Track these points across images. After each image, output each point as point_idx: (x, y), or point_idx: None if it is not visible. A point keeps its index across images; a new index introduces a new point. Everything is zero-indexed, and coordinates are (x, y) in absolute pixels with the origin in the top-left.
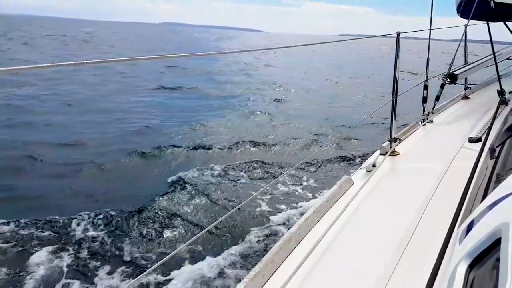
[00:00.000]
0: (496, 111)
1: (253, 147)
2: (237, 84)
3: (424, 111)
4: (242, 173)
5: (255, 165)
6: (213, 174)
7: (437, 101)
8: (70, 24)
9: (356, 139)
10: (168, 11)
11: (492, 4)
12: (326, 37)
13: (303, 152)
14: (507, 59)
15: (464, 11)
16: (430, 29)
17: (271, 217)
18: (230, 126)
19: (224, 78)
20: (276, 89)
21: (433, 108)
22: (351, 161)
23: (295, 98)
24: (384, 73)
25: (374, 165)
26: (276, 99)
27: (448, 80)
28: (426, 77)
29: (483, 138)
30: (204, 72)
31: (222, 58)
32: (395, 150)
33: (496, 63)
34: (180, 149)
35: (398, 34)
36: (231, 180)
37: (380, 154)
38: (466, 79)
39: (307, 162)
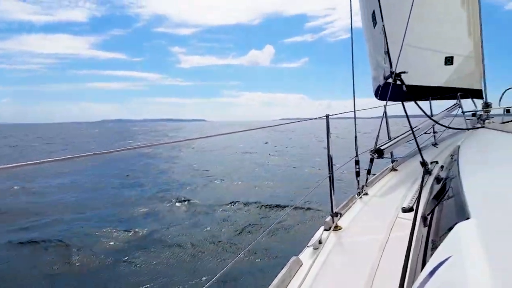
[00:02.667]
0: (422, 181)
1: (179, 246)
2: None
3: (358, 184)
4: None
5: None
6: None
7: (369, 174)
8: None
9: (301, 214)
10: (109, 109)
11: (404, 88)
12: (269, 122)
13: (246, 238)
14: (425, 133)
15: (381, 94)
16: (354, 110)
17: None
18: (154, 213)
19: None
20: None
21: (366, 181)
22: (298, 237)
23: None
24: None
25: (320, 242)
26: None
27: (376, 155)
28: (356, 153)
29: (414, 207)
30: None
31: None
32: (338, 224)
33: (415, 138)
34: None
35: (327, 116)
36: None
37: (325, 230)
38: (391, 152)
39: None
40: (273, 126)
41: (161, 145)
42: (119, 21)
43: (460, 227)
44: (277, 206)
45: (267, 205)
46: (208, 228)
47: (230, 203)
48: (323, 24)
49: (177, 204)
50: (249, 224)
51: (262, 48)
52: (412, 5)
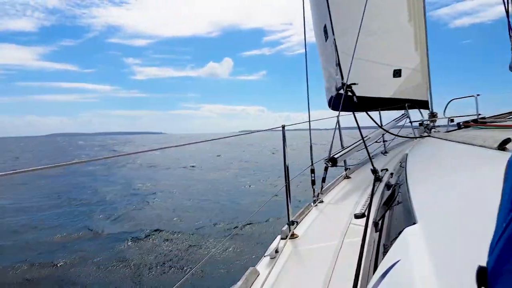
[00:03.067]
0: (373, 187)
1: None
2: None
3: (314, 192)
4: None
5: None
6: None
7: (324, 182)
8: None
9: (259, 225)
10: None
11: (355, 99)
12: (228, 134)
13: (201, 251)
14: (376, 141)
15: (334, 105)
16: (309, 121)
17: None
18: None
19: None
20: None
21: (321, 189)
22: (256, 248)
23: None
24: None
25: (276, 251)
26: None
27: (330, 163)
28: (312, 162)
29: (366, 214)
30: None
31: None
32: (294, 233)
33: (366, 147)
34: None
35: (283, 127)
36: None
37: (281, 239)
38: (345, 161)
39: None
40: (230, 136)
41: (102, 160)
42: (70, 31)
43: (407, 232)
44: (231, 221)
45: (217, 222)
46: (142, 253)
47: (171, 221)
48: (280, 39)
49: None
50: (192, 245)
51: (220, 60)
52: (361, 20)
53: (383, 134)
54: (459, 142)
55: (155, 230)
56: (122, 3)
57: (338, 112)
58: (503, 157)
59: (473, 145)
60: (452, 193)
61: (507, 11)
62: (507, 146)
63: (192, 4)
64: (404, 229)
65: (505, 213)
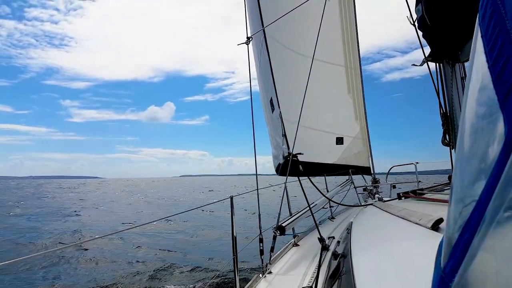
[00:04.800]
0: (320, 258)
1: None
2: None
3: (262, 263)
4: None
5: None
6: None
7: (272, 251)
8: None
9: None
10: None
11: (300, 167)
12: (168, 179)
13: None
14: (323, 207)
15: (282, 171)
16: (257, 189)
17: None
18: None
19: None
20: None
21: (270, 259)
22: None
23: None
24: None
25: None
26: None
27: (278, 232)
28: (260, 231)
29: (313, 287)
30: None
31: None
32: None
33: (312, 214)
34: None
35: (231, 197)
36: None
37: None
38: (293, 228)
39: None
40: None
41: None
42: (4, 71)
43: None
44: None
45: None
46: None
47: None
48: (222, 86)
49: None
50: None
51: (162, 104)
52: (305, 94)
53: (328, 201)
54: (398, 216)
55: None
56: (62, 45)
57: (285, 179)
58: (436, 237)
59: (410, 221)
60: (390, 273)
61: (437, 91)
62: (440, 226)
63: (134, 48)
64: None
65: None
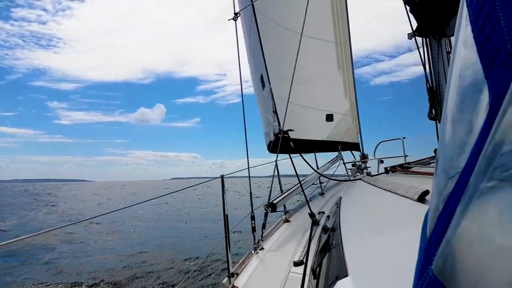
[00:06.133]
0: (311, 232)
1: None
2: None
3: (254, 239)
4: None
5: None
6: None
7: (264, 228)
8: None
9: (200, 281)
10: None
11: (291, 144)
12: (159, 182)
13: None
14: (313, 184)
15: (273, 148)
16: (248, 168)
17: None
18: None
19: None
20: None
21: (261, 236)
22: None
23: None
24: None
25: None
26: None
27: (270, 209)
28: (252, 208)
29: (304, 261)
30: None
31: None
32: (234, 285)
33: (303, 190)
34: None
35: (222, 177)
36: None
37: None
38: (284, 205)
39: None
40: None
41: None
42: None
43: (339, 286)
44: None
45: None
46: None
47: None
48: (214, 88)
49: None
50: None
51: (152, 106)
52: (294, 70)
53: (319, 177)
54: (385, 190)
55: None
56: (50, 46)
57: (276, 156)
58: (422, 209)
59: (397, 194)
60: (379, 244)
61: (424, 65)
62: (426, 197)
63: (123, 50)
64: (336, 282)
65: (418, 269)
